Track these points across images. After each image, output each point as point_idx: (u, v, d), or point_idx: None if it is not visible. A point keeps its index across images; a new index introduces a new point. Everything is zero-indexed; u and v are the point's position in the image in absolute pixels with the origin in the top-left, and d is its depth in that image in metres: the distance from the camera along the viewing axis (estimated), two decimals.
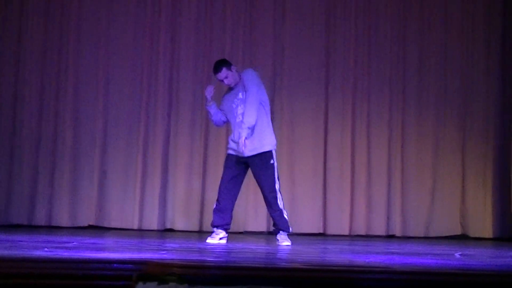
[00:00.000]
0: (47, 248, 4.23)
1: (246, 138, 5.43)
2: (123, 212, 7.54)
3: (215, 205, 5.68)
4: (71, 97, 7.60)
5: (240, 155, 5.60)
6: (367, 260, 4.02)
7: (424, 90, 7.78)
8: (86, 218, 7.53)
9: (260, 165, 5.59)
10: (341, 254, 4.78)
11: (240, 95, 5.60)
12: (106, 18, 7.71)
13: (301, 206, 7.58)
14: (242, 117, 5.51)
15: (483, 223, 7.63)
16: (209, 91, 5.76)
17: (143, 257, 3.46)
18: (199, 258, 3.85)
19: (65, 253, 3.86)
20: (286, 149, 7.59)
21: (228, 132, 5.99)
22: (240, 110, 5.58)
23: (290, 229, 5.66)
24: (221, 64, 5.68)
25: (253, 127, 5.51)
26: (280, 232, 5.63)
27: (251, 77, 5.58)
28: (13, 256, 3.49)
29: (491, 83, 7.77)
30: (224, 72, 5.64)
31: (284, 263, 3.73)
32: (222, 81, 5.70)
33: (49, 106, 7.59)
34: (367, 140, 7.71)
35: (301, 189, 7.63)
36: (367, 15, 7.81)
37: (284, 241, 5.61)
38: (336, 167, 7.66)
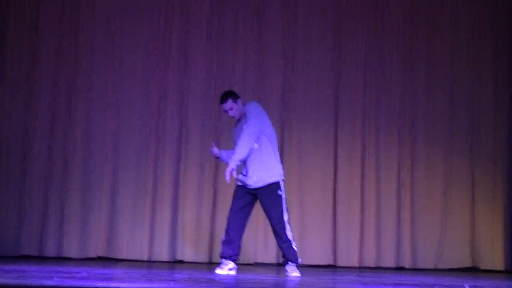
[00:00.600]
0: (56, 277, 4.25)
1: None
2: (133, 243, 7.53)
3: (223, 236, 5.69)
4: (81, 129, 7.65)
5: (248, 186, 5.63)
6: None
7: (432, 123, 7.77)
8: (96, 249, 7.53)
9: (267, 196, 5.61)
10: (350, 285, 4.77)
11: (244, 128, 5.65)
12: (119, 49, 7.79)
13: (310, 238, 7.55)
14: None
15: (494, 255, 7.56)
16: (214, 151, 5.82)
17: (151, 287, 3.47)
18: None
19: (75, 283, 3.87)
20: (295, 181, 7.60)
21: None
22: None
23: (299, 260, 5.66)
24: (227, 95, 5.75)
25: (244, 160, 5.54)
26: (289, 263, 5.63)
27: (252, 109, 5.63)
28: (23, 285, 3.50)
29: (500, 114, 7.77)
30: (229, 103, 5.71)
31: None
32: (226, 111, 5.77)
33: (59, 138, 7.65)
34: (376, 172, 7.71)
35: (311, 221, 7.61)
36: (375, 45, 7.85)
37: (293, 272, 5.60)
38: (346, 199, 7.65)
